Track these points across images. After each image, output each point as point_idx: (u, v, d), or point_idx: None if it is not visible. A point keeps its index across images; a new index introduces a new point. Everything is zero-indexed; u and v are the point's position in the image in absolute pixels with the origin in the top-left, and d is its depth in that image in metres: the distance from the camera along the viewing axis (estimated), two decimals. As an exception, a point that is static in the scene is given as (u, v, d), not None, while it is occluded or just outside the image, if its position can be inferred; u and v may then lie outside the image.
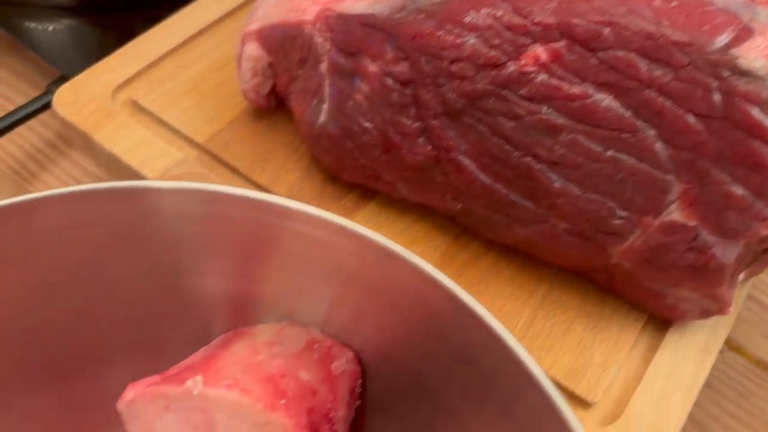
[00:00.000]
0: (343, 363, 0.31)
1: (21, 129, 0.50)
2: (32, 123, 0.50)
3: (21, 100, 0.51)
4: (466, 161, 0.31)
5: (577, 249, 0.32)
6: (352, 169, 0.35)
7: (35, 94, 0.49)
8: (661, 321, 0.33)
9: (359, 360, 0.31)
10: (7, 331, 0.30)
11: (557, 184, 0.30)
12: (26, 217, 0.27)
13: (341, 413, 0.30)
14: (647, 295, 0.32)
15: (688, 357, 0.32)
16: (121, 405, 0.28)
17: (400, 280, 0.27)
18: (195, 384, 0.27)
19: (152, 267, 0.31)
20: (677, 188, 0.28)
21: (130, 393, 0.28)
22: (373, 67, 0.31)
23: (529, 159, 0.30)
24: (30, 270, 0.29)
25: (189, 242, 0.30)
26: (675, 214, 0.29)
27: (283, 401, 0.28)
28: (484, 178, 0.31)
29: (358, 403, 0.32)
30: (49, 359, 0.32)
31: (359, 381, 0.31)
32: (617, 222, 0.30)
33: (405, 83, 0.31)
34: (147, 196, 0.27)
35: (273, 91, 0.39)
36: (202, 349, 0.31)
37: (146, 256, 0.30)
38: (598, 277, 0.33)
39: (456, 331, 0.26)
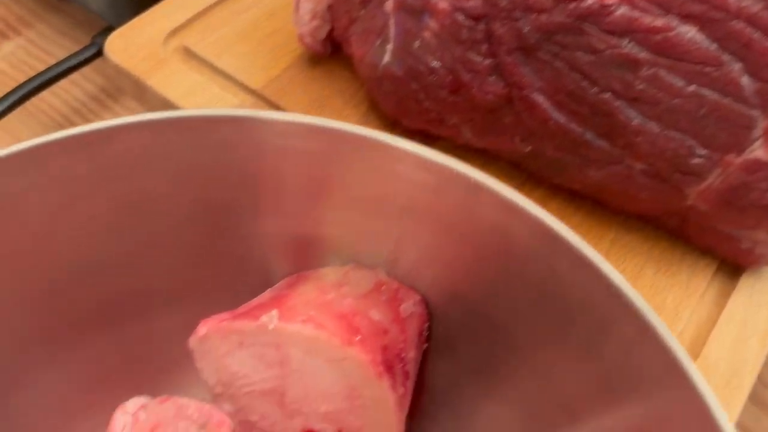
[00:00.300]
0: (410, 305, 0.30)
1: (64, 83, 0.49)
2: (75, 77, 0.49)
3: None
4: (540, 99, 0.30)
5: (652, 191, 0.31)
6: (414, 113, 0.34)
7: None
8: (732, 267, 0.33)
9: (426, 303, 0.31)
10: (68, 270, 0.30)
11: (636, 122, 0.29)
12: (99, 146, 0.26)
13: (411, 354, 0.30)
14: (721, 239, 0.31)
15: (762, 302, 0.31)
16: (193, 341, 0.28)
17: (478, 213, 0.26)
18: (270, 319, 0.27)
19: (218, 205, 0.30)
20: (762, 124, 0.28)
21: (203, 329, 0.27)
22: (442, 4, 0.31)
23: (607, 95, 0.29)
24: (98, 203, 0.28)
25: (257, 179, 0.29)
26: (759, 151, 0.28)
27: (358, 337, 0.27)
28: (558, 116, 0.30)
29: (425, 346, 0.31)
30: (107, 302, 0.32)
31: (426, 324, 0.31)
32: (697, 161, 0.29)
33: (477, 18, 0.30)
34: (224, 126, 0.27)
35: (329, 36, 0.38)
36: (267, 291, 0.31)
37: (214, 192, 0.29)
38: (669, 221, 0.33)
39: (539, 262, 0.25)
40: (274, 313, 0.27)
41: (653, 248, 0.33)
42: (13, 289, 0.28)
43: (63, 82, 0.48)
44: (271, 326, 0.27)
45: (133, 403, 0.27)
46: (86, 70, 0.49)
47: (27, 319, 0.29)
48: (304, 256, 0.32)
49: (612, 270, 0.23)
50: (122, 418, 0.26)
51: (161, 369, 0.33)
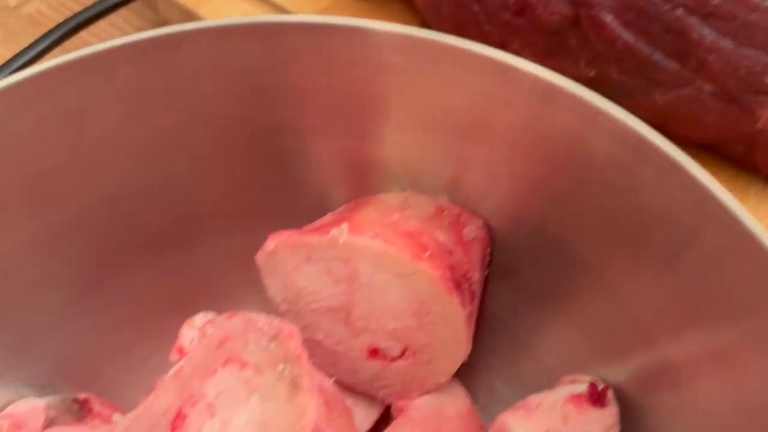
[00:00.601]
0: (474, 229, 0.30)
1: (102, 24, 0.48)
2: (114, 19, 0.49)
3: None
4: (609, 18, 0.30)
5: (720, 115, 0.30)
6: (473, 39, 0.34)
7: None
8: (800, 196, 0.32)
9: (488, 228, 0.30)
10: (130, 188, 0.30)
11: (709, 39, 0.28)
12: (166, 55, 0.26)
13: (476, 276, 0.29)
14: (790, 165, 0.31)
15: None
16: (261, 256, 0.28)
17: (553, 122, 0.25)
18: (340, 233, 0.26)
19: (278, 125, 0.29)
20: (843, 39, 0.27)
21: (272, 243, 0.27)
22: None
23: (680, 11, 0.28)
24: (162, 117, 0.28)
25: (318, 96, 0.29)
26: (838, 68, 0.27)
27: (426, 253, 0.27)
28: (627, 36, 0.30)
29: (486, 272, 0.31)
30: (164, 224, 0.32)
31: (489, 249, 0.30)
32: (771, 79, 0.28)
33: (546, -65, 0.29)
34: (292, 34, 0.26)
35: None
36: (328, 215, 0.31)
37: (275, 111, 0.29)
38: (735, 149, 0.32)
39: (618, 172, 0.24)
40: (344, 226, 0.26)
41: (716, 175, 0.32)
42: (80, 203, 0.28)
43: (102, 24, 0.48)
44: (341, 240, 0.26)
45: (200, 318, 0.27)
46: (125, 12, 0.48)
47: (93, 234, 0.29)
48: (362, 182, 0.31)
49: (701, 171, 0.22)
50: (189, 332, 0.26)
51: (220, 293, 0.33)
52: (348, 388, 0.29)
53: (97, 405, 0.30)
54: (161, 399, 0.24)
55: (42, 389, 0.30)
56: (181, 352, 0.26)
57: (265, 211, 0.32)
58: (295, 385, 0.23)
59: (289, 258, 0.27)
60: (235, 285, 0.33)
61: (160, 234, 0.31)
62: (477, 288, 0.29)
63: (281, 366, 0.24)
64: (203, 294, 0.33)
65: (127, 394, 0.32)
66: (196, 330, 0.26)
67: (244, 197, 0.32)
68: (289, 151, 0.31)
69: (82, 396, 0.30)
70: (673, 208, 0.23)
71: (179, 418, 0.23)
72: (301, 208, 0.31)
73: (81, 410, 0.29)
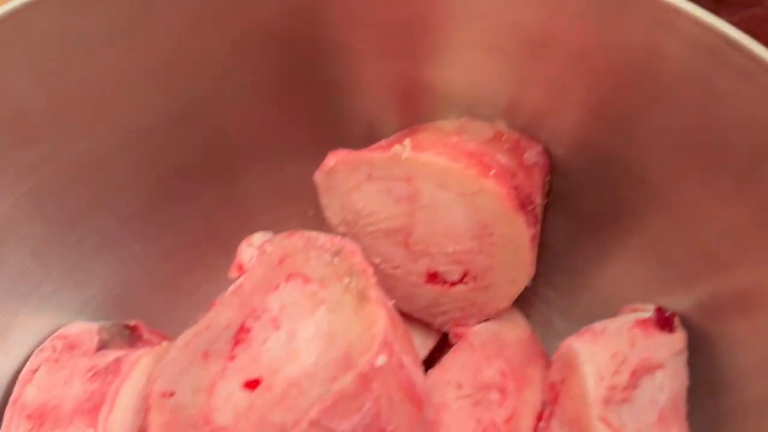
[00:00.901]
0: (533, 155, 0.29)
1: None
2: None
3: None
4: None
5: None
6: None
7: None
8: None
9: (549, 154, 0.29)
10: (185, 107, 0.29)
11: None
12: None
13: (538, 201, 0.28)
14: None
15: None
16: (320, 175, 0.27)
17: (625, 33, 0.24)
18: (404, 149, 0.25)
19: (325, 47, 0.28)
20: None
21: (332, 160, 0.26)
22: None
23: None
24: (218, 35, 0.27)
25: (371, 13, 0.27)
26: None
27: (492, 172, 0.26)
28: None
29: (545, 201, 0.30)
30: (205, 157, 0.31)
31: (548, 177, 0.30)
32: None
33: None
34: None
35: None
36: (382, 141, 0.30)
37: (322, 31, 0.28)
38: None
39: (694, 82, 0.23)
40: (407, 142, 0.26)
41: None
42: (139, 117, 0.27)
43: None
44: (404, 156, 0.25)
45: (258, 237, 0.26)
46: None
47: (142, 158, 0.28)
48: (415, 109, 0.30)
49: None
50: (248, 250, 0.25)
51: (266, 227, 0.32)
52: (404, 315, 0.29)
53: (146, 333, 0.30)
54: (222, 314, 0.24)
55: (92, 317, 0.29)
56: (240, 269, 0.25)
57: (311, 142, 0.31)
58: (363, 297, 0.22)
59: (348, 176, 0.26)
60: (281, 218, 0.32)
61: (206, 163, 0.31)
62: (539, 213, 0.28)
63: (347, 279, 0.23)
64: (249, 228, 0.32)
65: (173, 327, 0.31)
66: (255, 248, 0.26)
67: (289, 128, 0.31)
68: (336, 76, 0.30)
69: (132, 322, 0.29)
70: (756, 115, 0.22)
71: (242, 331, 0.23)
72: (350, 138, 0.30)
73: (132, 336, 0.29)
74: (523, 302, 0.30)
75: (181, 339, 0.23)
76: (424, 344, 0.29)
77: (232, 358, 0.22)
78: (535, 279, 0.29)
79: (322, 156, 0.28)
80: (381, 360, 0.21)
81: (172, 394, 0.22)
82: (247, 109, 0.30)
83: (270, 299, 0.23)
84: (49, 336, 0.27)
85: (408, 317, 0.29)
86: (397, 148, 0.25)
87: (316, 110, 0.31)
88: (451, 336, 0.29)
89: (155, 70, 0.27)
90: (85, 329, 0.27)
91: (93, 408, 0.23)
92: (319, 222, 0.29)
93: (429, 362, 0.29)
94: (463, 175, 0.25)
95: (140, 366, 0.24)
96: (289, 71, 0.30)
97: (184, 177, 0.30)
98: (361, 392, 0.21)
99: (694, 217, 0.26)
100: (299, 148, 0.32)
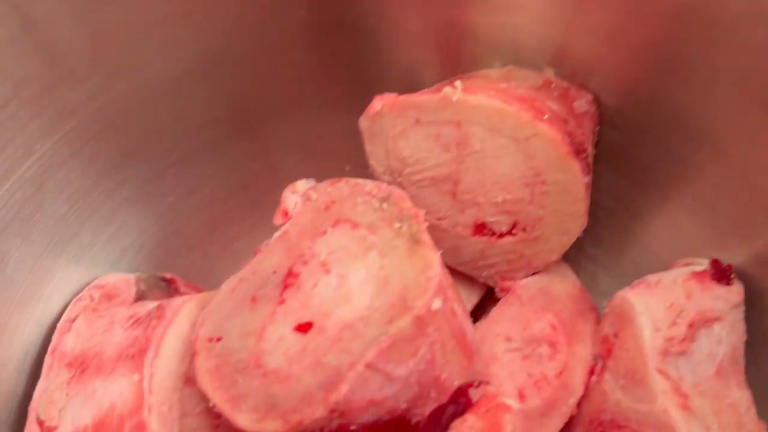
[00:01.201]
0: (583, 103, 0.28)
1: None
2: None
3: None
4: None
5: None
6: None
7: None
8: None
9: (598, 103, 0.28)
10: (217, 61, 0.28)
11: None
12: None
13: (590, 150, 0.27)
14: None
15: None
16: (365, 120, 0.26)
17: None
18: (454, 91, 0.25)
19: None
20: None
21: (378, 103, 0.25)
22: None
23: None
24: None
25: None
26: None
27: (546, 116, 0.25)
28: None
29: (594, 152, 0.29)
30: (245, 107, 0.30)
31: (597, 128, 0.29)
32: None
33: None
34: None
35: None
36: (425, 90, 0.29)
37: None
38: None
39: (753, 25, 0.22)
40: (458, 84, 0.25)
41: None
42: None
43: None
44: (454, 98, 0.24)
45: (302, 184, 0.25)
46: None
47: (177, 106, 0.27)
48: (457, 58, 0.29)
49: None
50: (292, 197, 0.25)
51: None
52: (449, 268, 0.28)
53: (182, 286, 0.29)
54: (268, 259, 0.23)
55: (127, 269, 0.29)
56: (286, 216, 0.24)
57: (347, 94, 0.30)
58: (415, 241, 0.22)
59: (395, 121, 0.25)
60: (316, 174, 0.31)
61: (240, 116, 0.30)
62: (591, 162, 0.27)
63: (397, 224, 0.22)
64: (283, 184, 0.31)
65: (207, 282, 0.31)
66: (299, 195, 0.25)
67: (325, 79, 0.30)
68: (373, 23, 0.29)
69: (168, 275, 0.29)
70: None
71: (291, 276, 0.22)
72: (388, 90, 0.29)
73: (169, 288, 0.28)
74: (570, 261, 0.29)
75: (227, 284, 0.23)
76: (468, 299, 0.28)
77: (281, 302, 0.21)
78: (582, 236, 0.28)
79: (359, 108, 0.27)
80: (437, 303, 0.20)
81: (219, 339, 0.21)
82: (281, 58, 0.29)
83: (318, 244, 0.23)
84: (85, 287, 0.27)
85: (452, 271, 0.28)
86: (447, 89, 0.24)
87: (353, 60, 0.30)
88: (497, 290, 0.28)
89: (192, 11, 0.26)
90: (122, 279, 0.27)
91: (137, 353, 0.22)
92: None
93: (473, 319, 0.29)
94: (517, 119, 0.24)
95: (185, 311, 0.23)
96: (326, 18, 0.29)
97: (217, 128, 0.30)
98: (417, 336, 0.20)
99: (752, 167, 0.25)
100: (335, 100, 0.31)
